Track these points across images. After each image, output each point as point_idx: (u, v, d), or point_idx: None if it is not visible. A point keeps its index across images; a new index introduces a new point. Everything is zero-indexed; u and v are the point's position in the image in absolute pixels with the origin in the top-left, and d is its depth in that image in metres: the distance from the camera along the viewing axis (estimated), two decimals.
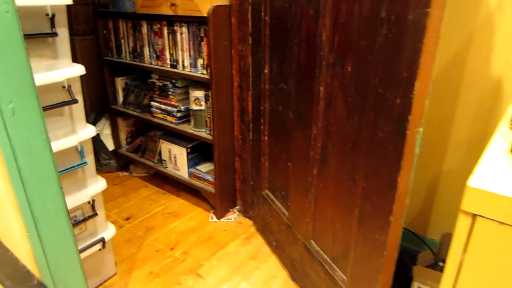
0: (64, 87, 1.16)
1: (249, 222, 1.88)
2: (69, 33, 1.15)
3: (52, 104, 1.12)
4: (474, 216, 0.61)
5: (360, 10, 0.91)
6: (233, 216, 1.92)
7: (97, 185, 1.30)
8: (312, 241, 1.33)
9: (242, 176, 1.86)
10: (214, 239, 1.76)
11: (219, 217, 1.90)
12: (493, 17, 1.14)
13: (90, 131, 1.24)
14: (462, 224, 0.62)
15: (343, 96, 1.02)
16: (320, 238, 1.28)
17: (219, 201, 1.86)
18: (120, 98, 2.19)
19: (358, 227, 1.03)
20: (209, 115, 1.76)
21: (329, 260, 1.24)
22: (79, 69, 1.18)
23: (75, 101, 1.17)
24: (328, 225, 1.20)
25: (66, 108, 1.18)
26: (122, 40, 2.02)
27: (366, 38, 0.91)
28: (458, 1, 1.20)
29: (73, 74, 1.16)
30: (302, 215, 1.34)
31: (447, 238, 1.39)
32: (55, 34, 1.11)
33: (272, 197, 1.60)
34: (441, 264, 1.32)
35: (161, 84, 1.90)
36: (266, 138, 1.56)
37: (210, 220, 1.89)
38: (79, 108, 1.22)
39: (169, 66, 1.82)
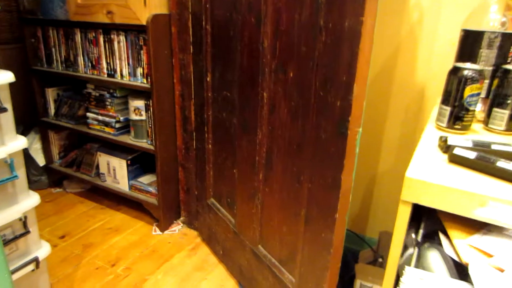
0: None
1: (194, 233, 1.85)
2: None
3: None
4: (412, 205, 0.67)
5: (300, 18, 0.96)
6: (178, 227, 1.87)
7: (30, 200, 1.20)
8: (259, 246, 1.34)
9: (186, 186, 1.83)
10: (158, 252, 1.70)
11: (162, 229, 1.84)
12: (415, 29, 1.27)
13: (20, 142, 1.15)
14: (402, 213, 0.68)
15: (287, 100, 1.06)
16: (268, 243, 1.29)
17: (162, 213, 1.81)
18: (52, 110, 2.05)
19: (305, 227, 1.07)
20: (150, 125, 1.72)
21: (277, 263, 1.26)
22: (7, 76, 1.10)
23: (3, 109, 1.09)
24: (276, 228, 1.23)
25: None
26: (53, 49, 1.91)
27: (306, 44, 0.96)
28: (386, 13, 1.31)
29: (0, 81, 1.08)
30: (249, 221, 1.36)
31: (384, 236, 1.48)
32: None
33: (218, 205, 1.60)
34: (380, 260, 1.40)
35: (97, 94, 1.82)
36: (210, 146, 1.56)
37: (153, 233, 1.83)
38: (8, 118, 1.13)
39: (106, 76, 1.75)
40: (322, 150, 0.96)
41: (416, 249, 0.71)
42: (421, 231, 0.74)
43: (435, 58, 1.26)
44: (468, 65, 0.84)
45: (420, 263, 0.67)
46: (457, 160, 0.70)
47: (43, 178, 2.15)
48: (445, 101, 0.87)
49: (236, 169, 1.38)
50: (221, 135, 1.46)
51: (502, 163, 0.66)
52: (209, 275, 1.58)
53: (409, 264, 0.69)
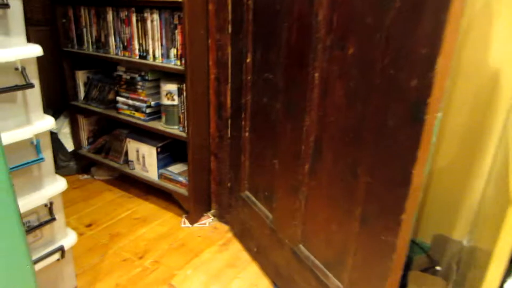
0: (17, 68, 0.98)
1: (225, 227, 1.74)
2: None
3: (1, 88, 0.94)
4: None
5: None
6: (208, 220, 1.77)
7: (56, 185, 1.12)
8: (301, 245, 1.21)
9: (218, 177, 1.72)
10: (187, 246, 1.60)
11: (192, 222, 1.74)
12: (491, 1, 1.09)
13: (48, 122, 1.07)
14: None
15: (343, 81, 0.92)
16: (311, 242, 1.16)
17: (192, 204, 1.71)
18: (82, 94, 1.99)
19: (360, 228, 0.93)
20: (182, 111, 1.61)
21: (321, 266, 1.13)
22: (36, 49, 1.01)
23: (30, 85, 1.00)
24: (322, 227, 1.10)
25: (19, 94, 1.00)
26: (84, 29, 1.83)
27: (373, 14, 0.81)
28: None
29: (28, 55, 0.99)
30: (289, 217, 1.23)
31: (439, 240, 1.32)
32: (6, 6, 0.93)
33: (254, 198, 1.48)
34: (437, 268, 1.25)
35: (128, 77, 1.73)
36: (247, 134, 1.44)
37: (183, 225, 1.73)
38: (35, 95, 1.04)
39: (137, 57, 1.66)
40: (388, 139, 0.81)
41: None
42: None
43: None
44: None
45: None
46: None
47: (71, 164, 2.10)
48: None
49: (277, 159, 1.25)
50: (261, 122, 1.34)
51: None
52: (242, 273, 1.47)
53: None
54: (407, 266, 1.30)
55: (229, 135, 1.58)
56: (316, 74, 1.01)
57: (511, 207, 0.52)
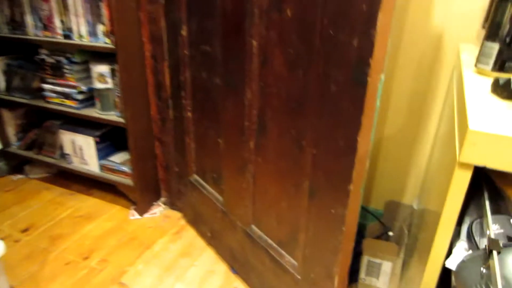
0: None
1: (177, 214, 1.65)
2: None
3: None
4: (477, 169, 0.48)
5: None
6: (158, 209, 1.67)
7: None
8: (253, 226, 1.16)
9: (164, 162, 1.61)
10: (138, 239, 1.50)
11: (141, 213, 1.64)
12: None
13: None
14: (459, 182, 0.49)
15: (283, 48, 0.85)
16: (263, 222, 1.11)
17: (139, 194, 1.60)
18: (2, 84, 1.78)
19: (309, 202, 0.88)
20: (118, 94, 1.48)
21: (274, 245, 1.08)
22: None
23: None
24: (272, 205, 1.04)
25: None
26: None
27: None
28: None
29: None
30: (239, 197, 1.17)
31: (391, 206, 1.33)
32: None
33: (202, 181, 1.40)
34: (390, 233, 1.25)
35: (53, 60, 1.56)
36: (189, 114, 1.34)
37: (131, 217, 1.62)
38: None
39: (61, 37, 1.49)
40: (331, 107, 0.76)
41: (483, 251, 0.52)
42: (488, 216, 0.55)
43: None
44: None
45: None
46: None
47: (1, 164, 1.89)
48: (491, 36, 0.68)
49: (221, 138, 1.18)
50: (202, 100, 1.25)
51: None
52: (197, 260, 1.40)
53: (478, 273, 0.49)
54: (361, 235, 1.29)
55: (171, 116, 1.47)
56: (254, 42, 0.93)
57: (456, 169, 0.48)
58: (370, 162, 1.35)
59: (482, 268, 0.43)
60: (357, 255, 1.23)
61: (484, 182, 0.60)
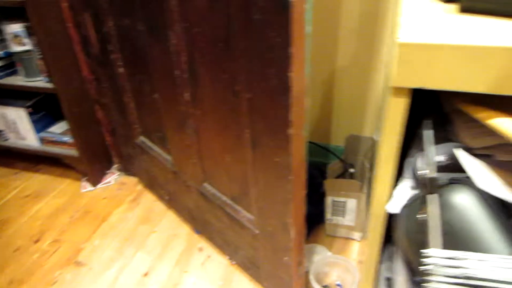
0: None
1: (133, 179, 1.55)
2: None
3: None
4: (412, 91, 0.38)
5: None
6: (113, 177, 1.56)
7: None
8: (205, 184, 1.07)
9: (109, 126, 1.48)
10: (92, 212, 1.40)
11: (94, 183, 1.53)
12: None
13: None
14: (395, 110, 0.40)
15: None
16: (214, 178, 1.02)
17: (88, 165, 1.48)
18: None
19: (253, 153, 0.79)
20: (40, 55, 1.30)
21: (229, 201, 1.01)
22: None
23: None
24: (219, 160, 0.95)
25: None
26: None
27: None
28: None
29: None
30: (186, 156, 1.06)
31: (351, 141, 1.25)
32: None
33: (149, 143, 1.28)
34: (351, 170, 1.19)
35: None
36: (121, 70, 1.19)
37: (83, 190, 1.51)
38: None
39: None
40: (258, 41, 0.64)
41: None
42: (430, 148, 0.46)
43: None
44: None
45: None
46: (475, 4, 0.41)
47: None
48: None
49: (157, 92, 1.05)
50: (131, 52, 1.09)
51: None
52: (158, 226, 1.32)
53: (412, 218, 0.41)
54: (325, 175, 1.23)
55: (106, 74, 1.31)
56: None
57: (391, 96, 0.38)
58: (324, 96, 1.25)
59: (417, 215, 0.36)
60: (322, 196, 1.18)
61: (432, 108, 0.51)
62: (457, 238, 0.31)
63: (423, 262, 0.25)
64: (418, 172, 0.40)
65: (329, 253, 1.15)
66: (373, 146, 1.17)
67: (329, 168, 1.20)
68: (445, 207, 0.33)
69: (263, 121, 0.71)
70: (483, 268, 0.23)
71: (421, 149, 0.48)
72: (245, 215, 0.96)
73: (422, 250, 0.26)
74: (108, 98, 1.37)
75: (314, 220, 1.24)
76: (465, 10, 0.41)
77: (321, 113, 1.30)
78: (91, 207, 1.43)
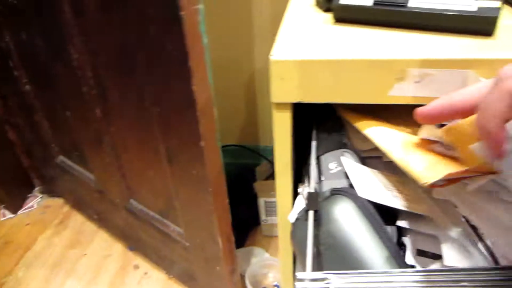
0: None
1: (59, 201, 1.45)
2: None
3: None
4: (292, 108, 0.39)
5: None
6: (36, 201, 1.45)
7: None
8: (131, 200, 1.03)
9: (24, 148, 1.37)
10: (14, 242, 1.30)
11: (14, 210, 1.41)
12: None
13: None
14: (280, 125, 0.40)
15: None
16: (140, 194, 0.98)
17: (4, 190, 1.36)
18: None
19: (170, 167, 0.77)
20: None
21: (157, 216, 0.97)
22: None
23: None
24: (141, 175, 0.91)
25: None
26: None
27: None
28: None
29: None
30: (108, 173, 1.01)
31: None
32: None
33: (69, 162, 1.21)
34: None
35: None
36: (28, 87, 1.10)
37: (2, 219, 1.39)
38: None
39: None
40: (156, 54, 0.62)
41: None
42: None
43: None
44: None
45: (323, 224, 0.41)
46: (347, 14, 0.42)
47: None
48: None
49: (68, 110, 0.98)
50: (36, 68, 1.02)
51: (414, 2, 0.40)
52: (89, 248, 1.25)
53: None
54: (253, 178, 1.24)
55: (12, 92, 1.21)
56: None
57: (274, 111, 0.39)
58: (247, 98, 1.25)
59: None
60: (255, 198, 1.18)
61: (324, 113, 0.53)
62: (340, 250, 0.32)
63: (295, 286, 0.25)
64: (299, 189, 0.41)
65: (266, 255, 1.15)
66: None
67: (257, 170, 1.21)
68: (327, 220, 0.34)
69: (176, 135, 0.70)
70: (345, 285, 0.24)
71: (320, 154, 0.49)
72: (174, 228, 0.94)
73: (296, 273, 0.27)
74: (18, 118, 1.27)
75: (251, 222, 1.24)
76: (338, 20, 0.42)
77: (247, 115, 1.30)
78: (12, 237, 1.31)
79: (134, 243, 1.18)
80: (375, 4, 0.40)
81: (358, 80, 0.35)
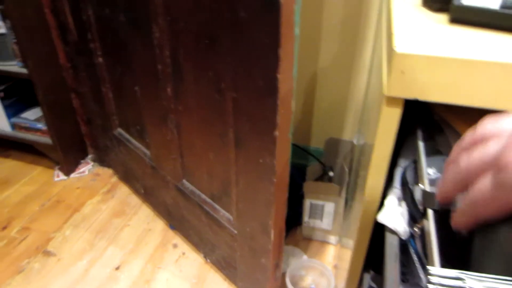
0: None
1: (108, 171, 1.51)
2: None
3: None
4: (406, 103, 0.38)
5: None
6: (87, 168, 1.52)
7: None
8: (184, 180, 1.05)
9: (85, 116, 1.43)
10: (64, 202, 1.36)
11: (67, 172, 1.48)
12: None
13: None
14: (388, 121, 0.39)
15: None
16: (194, 176, 1.01)
17: (62, 153, 1.43)
18: None
19: (236, 152, 0.78)
20: (14, 40, 1.24)
21: (208, 199, 0.99)
22: None
23: None
24: (200, 157, 0.93)
25: None
26: None
27: None
28: None
29: None
30: (166, 151, 1.04)
31: (330, 143, 1.26)
32: None
33: (127, 135, 1.25)
34: (330, 174, 1.20)
35: None
36: (101, 60, 1.15)
37: (56, 179, 1.46)
38: None
39: None
40: (244, 39, 0.63)
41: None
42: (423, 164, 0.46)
43: None
44: None
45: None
46: (467, 16, 0.41)
47: None
48: None
49: (138, 85, 1.02)
50: (112, 42, 1.06)
51: None
52: (132, 220, 1.29)
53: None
54: (303, 177, 1.23)
55: (84, 63, 1.27)
56: None
57: (384, 105, 0.38)
58: (306, 97, 1.25)
59: (415, 228, 0.36)
60: (300, 198, 1.17)
61: (423, 116, 0.52)
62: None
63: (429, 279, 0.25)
64: (420, 186, 0.40)
65: (305, 256, 1.15)
66: (352, 150, 1.18)
67: (308, 170, 1.20)
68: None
69: (248, 122, 0.70)
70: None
71: (411, 159, 0.48)
72: (224, 214, 0.95)
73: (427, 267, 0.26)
74: (85, 88, 1.33)
75: (291, 221, 1.24)
76: (454, 21, 0.41)
77: (302, 114, 1.30)
78: (63, 197, 1.38)
79: (176, 222, 1.21)
80: (502, 7, 0.38)
81: (486, 83, 0.34)
